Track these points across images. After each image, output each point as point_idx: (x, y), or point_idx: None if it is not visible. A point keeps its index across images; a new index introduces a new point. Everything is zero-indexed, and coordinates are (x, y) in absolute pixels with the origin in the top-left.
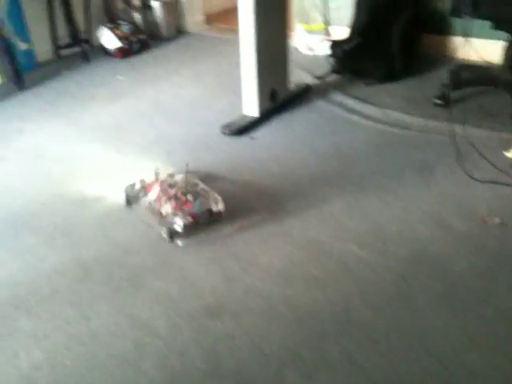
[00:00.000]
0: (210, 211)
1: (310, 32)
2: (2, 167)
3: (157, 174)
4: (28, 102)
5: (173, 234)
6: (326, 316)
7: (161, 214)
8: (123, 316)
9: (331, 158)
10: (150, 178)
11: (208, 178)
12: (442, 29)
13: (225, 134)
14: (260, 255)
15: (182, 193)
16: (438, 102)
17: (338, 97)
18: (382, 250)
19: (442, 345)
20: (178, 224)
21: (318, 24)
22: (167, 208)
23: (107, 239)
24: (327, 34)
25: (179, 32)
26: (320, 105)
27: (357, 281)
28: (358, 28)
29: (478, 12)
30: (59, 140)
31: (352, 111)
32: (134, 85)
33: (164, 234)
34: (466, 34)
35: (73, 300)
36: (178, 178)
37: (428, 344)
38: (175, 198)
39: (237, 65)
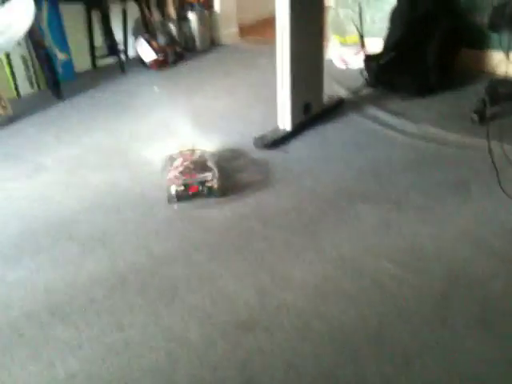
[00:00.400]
0: (204, 184)
1: (345, 44)
2: (41, 176)
3: (191, 150)
4: (66, 112)
5: (170, 199)
6: (360, 334)
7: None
8: (157, 327)
9: (366, 173)
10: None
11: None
12: (481, 43)
13: (257, 146)
14: (293, 270)
15: (195, 167)
16: (475, 117)
17: (373, 111)
18: (418, 269)
19: (480, 369)
20: (173, 190)
21: (353, 36)
22: (172, 175)
23: (143, 249)
24: (362, 46)
25: (214, 44)
26: (354, 119)
27: (391, 299)
28: (393, 41)
29: None
30: (96, 150)
31: (387, 126)
32: (169, 96)
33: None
34: (505, 49)
35: (108, 310)
36: (198, 153)
37: (465, 368)
38: (184, 168)
39: (271, 76)
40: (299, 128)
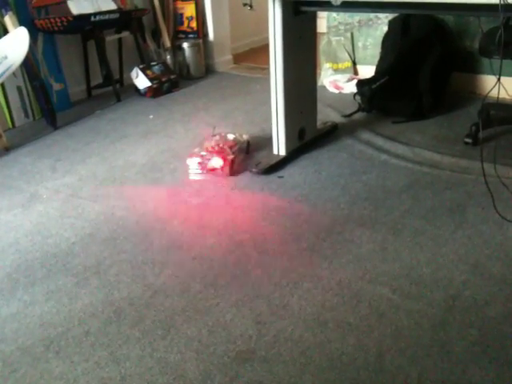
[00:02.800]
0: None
1: (337, 70)
2: (36, 206)
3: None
4: (61, 141)
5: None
6: (360, 363)
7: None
8: (153, 360)
9: (362, 198)
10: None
11: None
12: (472, 67)
13: (253, 172)
14: (290, 298)
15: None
16: (468, 140)
17: (367, 135)
18: (415, 295)
19: None
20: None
21: (345, 63)
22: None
23: (139, 279)
24: (354, 72)
25: (208, 71)
26: (348, 143)
27: (390, 326)
28: (385, 66)
29: (507, 53)
30: (91, 179)
31: (381, 150)
32: (165, 123)
33: None
34: (497, 73)
35: (103, 342)
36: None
37: None
38: (207, 149)
39: (265, 103)
40: (294, 153)
